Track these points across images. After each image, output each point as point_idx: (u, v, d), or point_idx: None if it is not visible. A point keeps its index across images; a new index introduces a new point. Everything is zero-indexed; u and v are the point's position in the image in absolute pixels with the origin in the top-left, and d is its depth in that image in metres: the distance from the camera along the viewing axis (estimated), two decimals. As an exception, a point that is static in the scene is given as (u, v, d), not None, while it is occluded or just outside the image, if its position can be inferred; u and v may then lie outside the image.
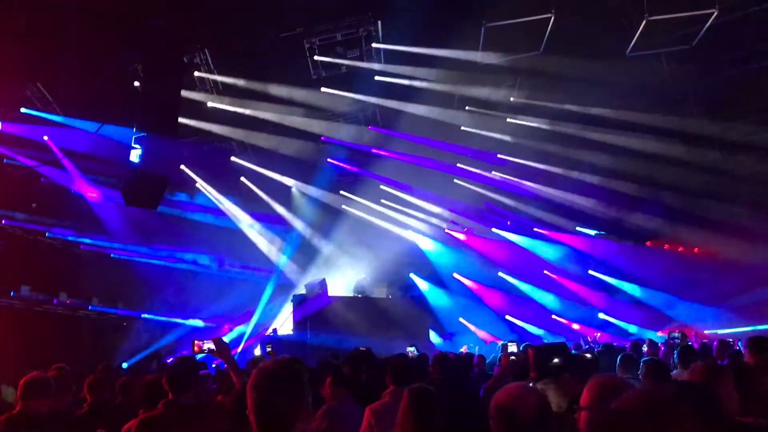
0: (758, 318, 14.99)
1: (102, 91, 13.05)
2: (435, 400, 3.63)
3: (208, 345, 4.50)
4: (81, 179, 15.59)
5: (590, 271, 20.43)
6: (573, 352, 7.19)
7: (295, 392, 2.39)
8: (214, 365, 9.49)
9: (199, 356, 5.04)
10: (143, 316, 16.18)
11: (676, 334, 11.46)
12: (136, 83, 12.73)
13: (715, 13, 11.24)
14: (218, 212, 18.40)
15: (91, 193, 15.81)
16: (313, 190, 18.86)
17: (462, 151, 16.89)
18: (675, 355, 6.80)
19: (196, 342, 4.63)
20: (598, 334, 18.60)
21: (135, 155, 11.21)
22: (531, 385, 4.17)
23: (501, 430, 2.42)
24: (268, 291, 18.77)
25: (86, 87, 12.99)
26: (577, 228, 20.05)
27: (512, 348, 5.89)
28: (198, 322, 16.96)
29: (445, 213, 20.28)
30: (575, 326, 19.95)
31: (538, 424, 2.38)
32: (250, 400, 2.36)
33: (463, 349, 12.70)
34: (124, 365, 11.43)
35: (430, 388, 3.75)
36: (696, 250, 18.63)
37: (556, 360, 4.45)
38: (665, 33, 12.23)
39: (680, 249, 19.08)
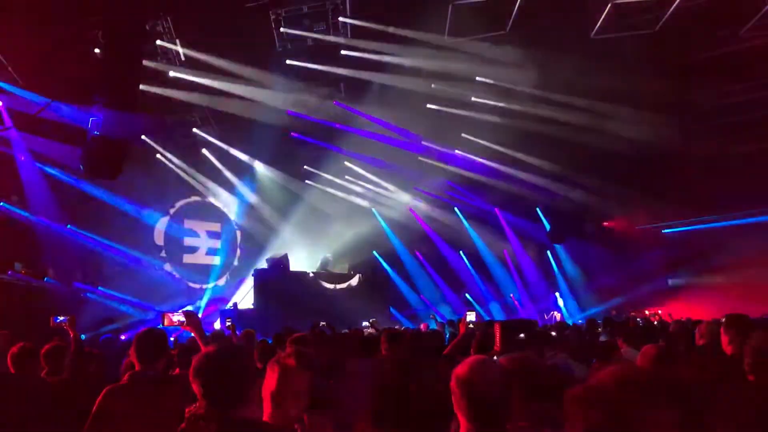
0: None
1: (58, 58, 12.53)
2: None
3: (178, 317, 4.38)
4: (27, 150, 14.88)
5: (549, 252, 20.90)
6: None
7: (239, 374, 2.43)
8: (172, 338, 9.35)
9: (170, 329, 4.91)
10: (100, 289, 15.80)
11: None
12: (97, 50, 12.35)
13: (678, -1, 11.50)
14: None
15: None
16: (276, 164, 18.63)
17: (427, 128, 16.90)
18: None
19: (166, 314, 4.50)
20: (558, 314, 19.04)
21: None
22: (495, 358, 4.21)
23: (462, 403, 2.30)
24: (215, 272, 18.62)
25: (40, 53, 12.46)
26: (537, 209, 20.44)
27: (471, 317, 5.97)
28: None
29: (409, 191, 20.32)
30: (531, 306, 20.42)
31: (500, 397, 2.28)
32: (194, 386, 2.38)
33: (423, 326, 12.78)
34: (83, 336, 11.18)
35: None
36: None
37: (522, 335, 4.47)
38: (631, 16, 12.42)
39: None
